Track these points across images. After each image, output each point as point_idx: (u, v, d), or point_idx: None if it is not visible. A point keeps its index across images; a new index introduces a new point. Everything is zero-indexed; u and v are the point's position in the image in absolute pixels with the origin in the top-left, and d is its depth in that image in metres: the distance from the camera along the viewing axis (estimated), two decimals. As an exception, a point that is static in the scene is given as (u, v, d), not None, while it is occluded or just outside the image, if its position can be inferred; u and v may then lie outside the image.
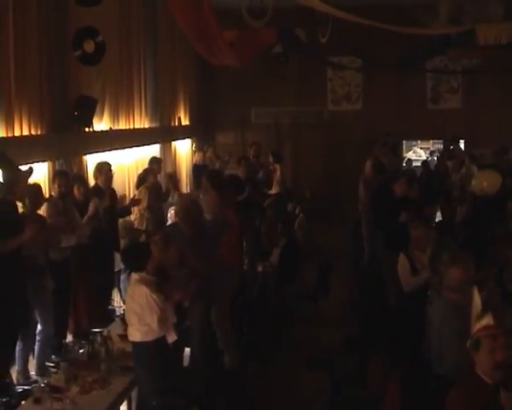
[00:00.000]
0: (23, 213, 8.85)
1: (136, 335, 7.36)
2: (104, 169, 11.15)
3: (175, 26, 14.86)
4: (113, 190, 11.66)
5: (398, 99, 20.40)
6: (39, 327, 9.14)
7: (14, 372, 8.86)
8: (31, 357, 9.26)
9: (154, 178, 12.44)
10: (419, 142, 21.76)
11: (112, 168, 11.31)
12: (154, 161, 13.81)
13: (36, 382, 8.12)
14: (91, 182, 11.46)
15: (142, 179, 12.50)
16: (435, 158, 19.60)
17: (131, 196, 13.15)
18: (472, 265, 7.22)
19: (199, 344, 8.94)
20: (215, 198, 9.65)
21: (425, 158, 20.53)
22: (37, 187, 9.27)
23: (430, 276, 7.77)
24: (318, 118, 21.23)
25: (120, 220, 11.60)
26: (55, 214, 9.51)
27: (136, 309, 7.26)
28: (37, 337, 9.10)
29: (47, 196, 10.25)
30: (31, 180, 9.23)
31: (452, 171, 16.70)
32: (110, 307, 11.51)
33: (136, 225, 11.84)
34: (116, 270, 11.66)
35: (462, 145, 19.53)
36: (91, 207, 10.18)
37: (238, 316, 10.17)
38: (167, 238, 7.80)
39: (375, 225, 12.14)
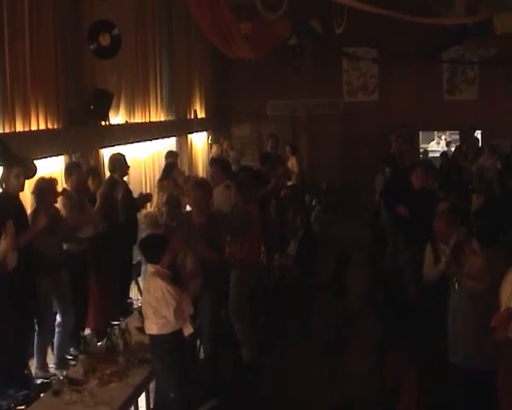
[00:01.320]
0: (34, 208, 8.87)
1: (152, 328, 7.37)
2: (118, 162, 11.15)
3: (190, 19, 14.84)
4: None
5: (414, 90, 20.28)
6: (58, 320, 9.15)
7: (33, 365, 8.88)
8: (49, 350, 9.29)
9: (178, 173, 12.41)
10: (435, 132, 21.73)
11: (126, 160, 11.28)
12: (170, 154, 13.80)
13: (55, 374, 8.13)
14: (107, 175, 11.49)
15: (166, 173, 12.42)
16: (452, 149, 19.54)
17: (148, 189, 13.15)
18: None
19: (210, 336, 8.96)
20: (234, 192, 9.69)
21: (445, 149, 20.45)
22: (47, 181, 9.24)
23: (449, 265, 7.76)
24: (334, 109, 21.16)
25: (143, 212, 11.59)
26: (70, 207, 9.52)
27: (151, 302, 7.27)
28: (57, 330, 9.11)
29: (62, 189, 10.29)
30: (42, 175, 9.30)
31: (470, 161, 16.62)
32: (128, 299, 11.52)
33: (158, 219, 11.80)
34: (135, 262, 11.69)
35: (478, 136, 19.45)
36: (99, 197, 10.17)
37: (255, 308, 10.17)
38: (170, 230, 7.83)
39: (394, 217, 12.03)
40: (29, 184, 9.10)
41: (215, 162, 12.31)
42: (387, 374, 8.15)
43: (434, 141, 23.61)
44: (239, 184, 9.95)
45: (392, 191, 11.76)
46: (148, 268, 7.51)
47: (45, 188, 8.98)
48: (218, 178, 11.19)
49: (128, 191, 11.20)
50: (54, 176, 9.89)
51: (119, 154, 11.42)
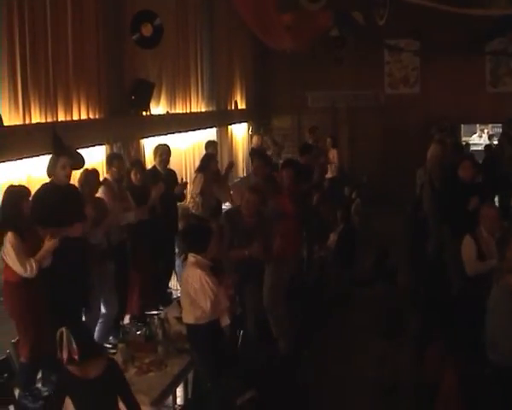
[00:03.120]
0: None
1: (189, 317, 7.38)
2: (159, 151, 11.19)
3: (231, 10, 14.83)
4: (173, 172, 11.71)
5: (456, 82, 20.04)
6: (103, 310, 9.19)
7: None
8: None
9: (215, 165, 12.40)
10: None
11: (168, 150, 11.30)
12: (210, 144, 13.80)
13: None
14: (148, 166, 11.53)
15: (204, 164, 12.43)
16: (494, 142, 19.33)
17: (188, 179, 13.16)
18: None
19: (251, 327, 8.95)
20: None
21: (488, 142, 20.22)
22: (92, 172, 9.34)
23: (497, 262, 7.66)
24: (375, 101, 21.05)
25: (180, 204, 11.62)
26: (111, 197, 9.57)
27: (190, 292, 7.27)
28: (100, 319, 9.14)
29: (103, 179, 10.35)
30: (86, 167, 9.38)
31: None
32: (168, 289, 11.56)
33: (190, 210, 11.82)
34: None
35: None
36: (154, 194, 10.19)
37: (293, 302, 10.16)
38: (221, 229, 7.83)
39: (441, 211, 11.88)
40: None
41: (258, 155, 12.34)
42: (427, 369, 8.09)
43: (476, 134, 23.39)
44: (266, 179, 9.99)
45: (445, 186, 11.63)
46: (189, 258, 7.50)
47: (90, 180, 9.08)
48: (262, 171, 11.22)
49: (169, 181, 11.22)
50: (95, 166, 9.96)
51: (162, 144, 11.46)
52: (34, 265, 7.40)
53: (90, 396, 5.62)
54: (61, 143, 8.88)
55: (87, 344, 5.68)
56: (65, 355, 5.51)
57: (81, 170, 9.28)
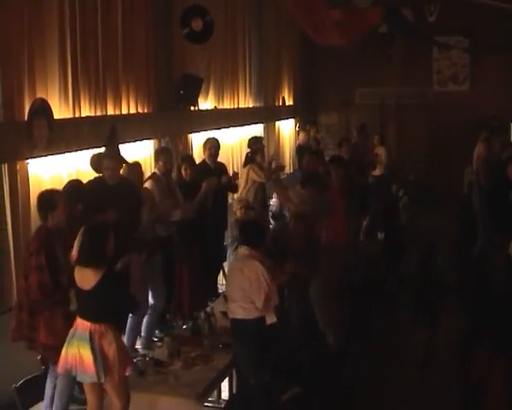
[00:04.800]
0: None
1: (238, 312, 7.36)
2: (208, 144, 11.22)
3: (280, 6, 14.83)
4: (222, 165, 11.73)
5: (506, 81, 19.80)
6: (150, 302, 9.17)
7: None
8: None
9: (262, 158, 12.40)
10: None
11: (218, 144, 11.33)
12: (255, 140, 13.75)
13: (143, 355, 8.23)
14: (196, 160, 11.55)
15: (250, 158, 12.44)
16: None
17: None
18: None
19: (300, 325, 8.91)
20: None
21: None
22: (138, 166, 9.40)
23: None
24: (424, 99, 20.87)
25: (235, 196, 11.63)
26: (159, 191, 9.60)
27: (243, 285, 7.24)
28: (148, 312, 9.17)
29: (151, 173, 10.40)
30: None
31: None
32: (216, 284, 11.57)
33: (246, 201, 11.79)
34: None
35: None
36: (204, 189, 10.18)
37: (342, 298, 10.11)
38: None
39: (488, 210, 11.76)
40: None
41: (310, 151, 12.38)
42: (473, 369, 8.01)
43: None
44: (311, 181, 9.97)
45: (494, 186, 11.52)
46: (242, 251, 7.50)
47: (134, 172, 9.13)
48: (315, 166, 11.27)
49: (224, 172, 11.24)
50: (143, 160, 10.01)
51: (211, 138, 11.49)
52: None
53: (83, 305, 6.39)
54: (114, 140, 8.93)
55: (87, 253, 6.25)
56: (74, 252, 6.37)
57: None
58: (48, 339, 6.92)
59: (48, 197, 7.15)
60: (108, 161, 8.40)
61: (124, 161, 8.86)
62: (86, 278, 6.28)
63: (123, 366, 6.35)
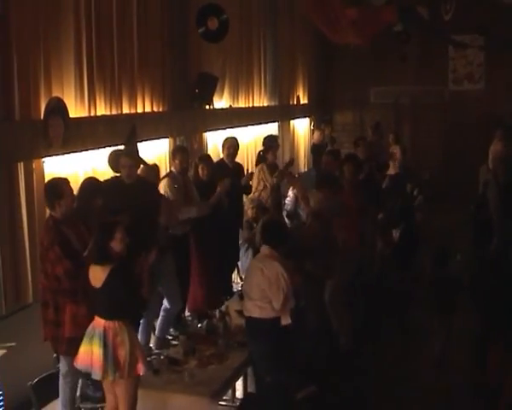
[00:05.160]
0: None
1: (254, 310, 7.37)
2: (227, 144, 11.24)
3: (295, 5, 14.81)
4: (240, 166, 11.74)
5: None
6: (165, 304, 9.05)
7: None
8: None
9: (274, 157, 12.40)
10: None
11: (236, 144, 11.35)
12: (270, 139, 13.75)
13: (157, 354, 8.24)
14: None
15: (262, 157, 12.46)
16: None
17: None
18: None
19: (315, 323, 8.91)
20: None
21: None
22: (155, 168, 9.43)
23: None
24: (439, 98, 20.81)
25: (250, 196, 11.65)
26: (175, 189, 9.61)
27: (262, 284, 7.25)
28: (161, 313, 9.12)
29: (167, 171, 10.42)
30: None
31: None
32: (231, 282, 11.58)
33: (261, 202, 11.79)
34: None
35: None
36: (219, 190, 10.16)
37: (355, 298, 10.10)
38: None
39: (505, 208, 11.73)
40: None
41: (327, 152, 12.41)
42: (488, 370, 7.99)
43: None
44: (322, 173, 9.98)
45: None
46: (262, 250, 7.52)
47: (156, 172, 9.17)
48: (332, 167, 11.28)
49: (238, 175, 11.25)
50: (159, 159, 10.02)
51: (230, 137, 11.50)
52: None
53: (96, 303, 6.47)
54: (133, 139, 8.94)
55: (95, 251, 6.46)
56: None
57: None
58: (72, 331, 6.95)
59: (54, 186, 7.16)
60: (126, 159, 8.39)
61: (142, 161, 8.87)
62: (97, 276, 6.33)
63: (134, 367, 6.37)
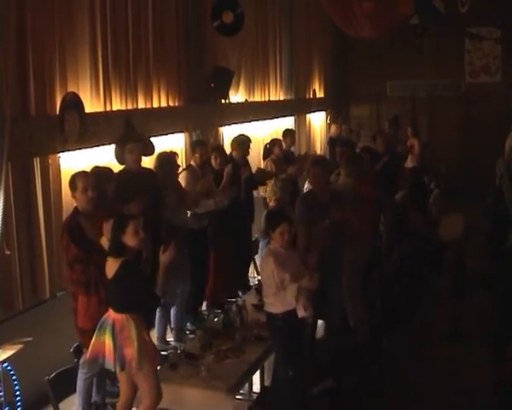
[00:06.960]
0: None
1: (267, 305, 7.36)
2: (239, 142, 11.22)
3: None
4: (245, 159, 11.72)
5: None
6: (177, 294, 9.20)
7: (154, 338, 9.00)
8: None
9: (280, 150, 12.35)
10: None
11: (249, 142, 11.33)
12: (288, 132, 13.71)
13: (174, 347, 8.25)
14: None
15: (268, 150, 12.43)
16: None
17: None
18: None
19: (339, 317, 8.87)
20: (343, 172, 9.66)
21: None
22: (169, 155, 9.38)
23: None
24: (455, 91, 20.72)
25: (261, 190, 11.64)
26: (194, 182, 9.63)
27: (263, 279, 7.28)
28: (176, 305, 9.19)
29: (184, 165, 10.43)
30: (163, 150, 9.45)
31: None
32: (247, 276, 11.60)
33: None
34: (253, 239, 11.77)
35: None
36: (226, 176, 10.15)
37: (372, 291, 10.07)
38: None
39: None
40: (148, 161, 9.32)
41: (342, 144, 12.37)
42: (507, 367, 7.95)
43: None
44: (347, 164, 9.87)
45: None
46: (268, 245, 7.51)
47: (168, 162, 9.13)
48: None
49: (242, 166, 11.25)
50: (172, 151, 10.03)
51: (242, 135, 11.48)
52: None
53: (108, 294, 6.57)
54: (132, 132, 8.95)
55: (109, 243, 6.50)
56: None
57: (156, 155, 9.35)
58: (85, 323, 6.98)
59: (71, 179, 7.24)
60: (132, 145, 8.45)
61: (150, 145, 8.91)
62: (109, 268, 6.38)
63: (146, 361, 6.38)
